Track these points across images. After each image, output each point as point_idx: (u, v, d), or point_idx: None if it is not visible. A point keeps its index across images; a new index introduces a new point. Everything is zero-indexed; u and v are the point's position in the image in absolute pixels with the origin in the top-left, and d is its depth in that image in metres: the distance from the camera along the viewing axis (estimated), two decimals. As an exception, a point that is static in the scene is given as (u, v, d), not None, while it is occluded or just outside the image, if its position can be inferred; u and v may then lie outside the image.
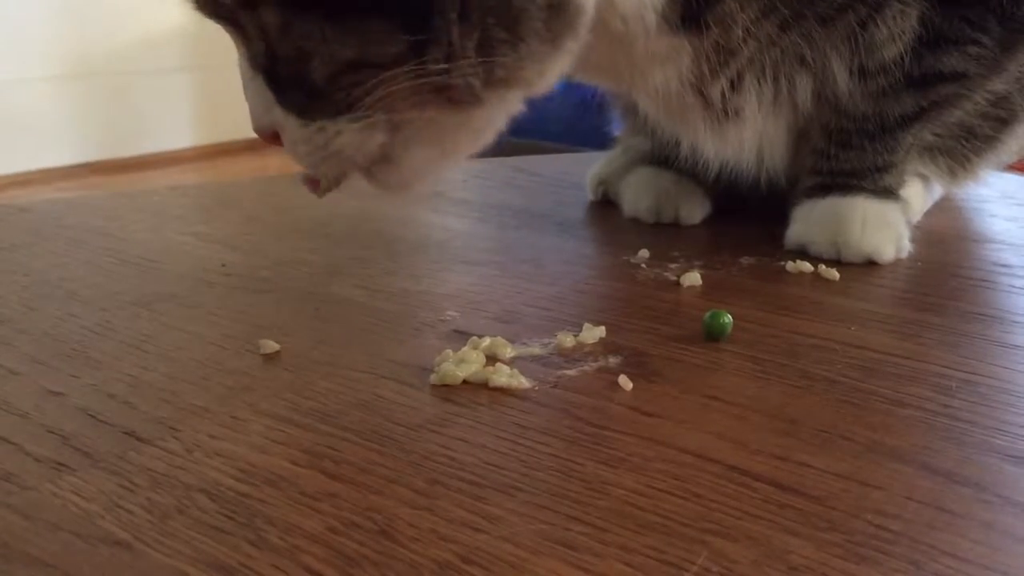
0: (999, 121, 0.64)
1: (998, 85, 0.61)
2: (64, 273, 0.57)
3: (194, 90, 3.11)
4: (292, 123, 0.45)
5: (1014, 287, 0.54)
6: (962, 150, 0.65)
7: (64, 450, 0.36)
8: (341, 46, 0.42)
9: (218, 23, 0.45)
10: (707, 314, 0.46)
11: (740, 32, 0.53)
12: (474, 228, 0.69)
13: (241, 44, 0.46)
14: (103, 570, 0.29)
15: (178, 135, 3.08)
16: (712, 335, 0.46)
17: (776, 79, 0.56)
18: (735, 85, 0.56)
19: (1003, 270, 0.57)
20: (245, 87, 0.46)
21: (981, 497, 0.33)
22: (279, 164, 3.07)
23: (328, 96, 0.43)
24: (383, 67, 0.42)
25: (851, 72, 0.56)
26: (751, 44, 0.54)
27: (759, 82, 0.56)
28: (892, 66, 0.56)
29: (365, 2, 0.41)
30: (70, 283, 0.55)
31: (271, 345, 0.45)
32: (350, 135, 0.44)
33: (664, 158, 0.69)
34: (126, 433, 0.37)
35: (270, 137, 0.46)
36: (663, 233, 0.66)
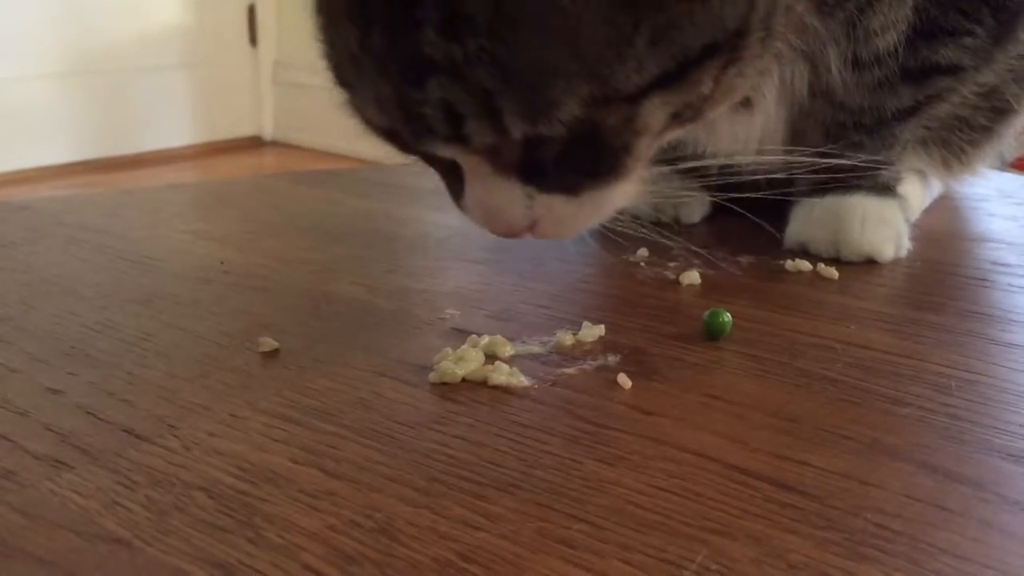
0: (994, 111, 0.64)
1: (988, 77, 0.60)
2: (62, 271, 0.57)
3: (192, 88, 3.11)
4: (558, 202, 0.42)
5: (1013, 286, 0.54)
6: (957, 141, 0.65)
7: (63, 448, 0.36)
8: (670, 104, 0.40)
9: (446, 152, 0.40)
10: (706, 313, 0.46)
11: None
12: (473, 226, 0.69)
13: (480, 162, 0.41)
14: (102, 568, 0.29)
15: (176, 133, 3.08)
16: (712, 334, 0.46)
17: (781, 68, 0.56)
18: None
19: (1002, 269, 0.57)
20: (478, 204, 0.43)
21: (980, 495, 0.33)
22: (276, 162, 3.08)
23: (621, 161, 0.41)
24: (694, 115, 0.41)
25: (846, 62, 0.56)
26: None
27: (772, 72, 0.56)
28: (887, 57, 0.56)
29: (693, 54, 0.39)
30: (68, 281, 0.55)
31: (270, 343, 0.45)
32: (625, 188, 0.43)
33: (664, 156, 0.69)
34: (125, 431, 0.37)
35: (522, 232, 0.43)
36: (662, 232, 0.66)
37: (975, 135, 0.64)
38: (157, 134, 3.05)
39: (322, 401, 0.40)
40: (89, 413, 0.39)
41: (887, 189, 0.61)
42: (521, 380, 0.41)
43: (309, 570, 0.29)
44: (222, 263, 0.58)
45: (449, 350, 0.43)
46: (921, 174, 0.68)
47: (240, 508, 0.32)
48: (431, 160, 0.44)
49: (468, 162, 0.41)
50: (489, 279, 0.56)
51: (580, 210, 0.42)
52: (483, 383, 0.41)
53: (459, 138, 0.38)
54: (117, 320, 0.49)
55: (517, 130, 0.37)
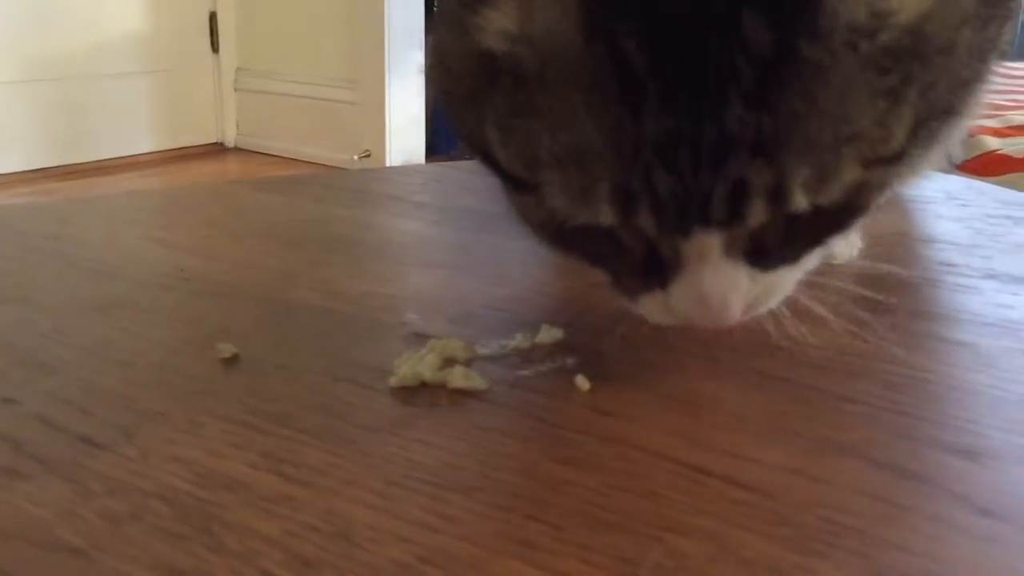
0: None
1: None
2: (18, 279, 0.56)
3: (154, 95, 3.07)
4: (777, 277, 0.39)
5: (959, 286, 0.55)
6: None
7: (18, 457, 0.36)
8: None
9: (703, 237, 0.36)
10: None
11: None
12: (433, 231, 0.69)
13: (713, 248, 0.36)
14: (58, 577, 0.29)
15: (138, 140, 3.05)
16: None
17: None
18: None
19: (948, 269, 0.58)
20: (700, 295, 0.37)
21: (927, 491, 0.34)
22: (239, 169, 3.05)
23: (854, 221, 0.39)
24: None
25: None
26: None
27: None
28: None
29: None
30: (24, 289, 0.54)
31: (229, 349, 0.45)
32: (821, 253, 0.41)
33: None
34: (81, 439, 0.37)
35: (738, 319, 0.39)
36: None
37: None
38: (118, 141, 3.01)
39: (281, 406, 0.40)
40: (44, 422, 0.38)
41: None
42: (480, 383, 0.41)
43: None
44: (181, 270, 0.57)
45: (409, 354, 0.43)
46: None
47: (198, 515, 0.32)
48: (611, 254, 0.39)
49: (703, 250, 0.36)
50: (449, 283, 0.56)
51: (793, 275, 0.40)
52: (442, 386, 0.41)
53: (731, 221, 0.35)
54: (74, 327, 0.48)
55: (802, 202, 0.34)
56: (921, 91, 0.35)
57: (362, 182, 0.83)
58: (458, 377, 0.41)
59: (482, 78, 0.37)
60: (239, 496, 0.33)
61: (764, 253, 0.37)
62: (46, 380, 0.42)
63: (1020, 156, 1.34)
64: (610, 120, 0.34)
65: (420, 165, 2.48)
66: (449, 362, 0.43)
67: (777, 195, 0.34)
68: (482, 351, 0.45)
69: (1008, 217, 0.70)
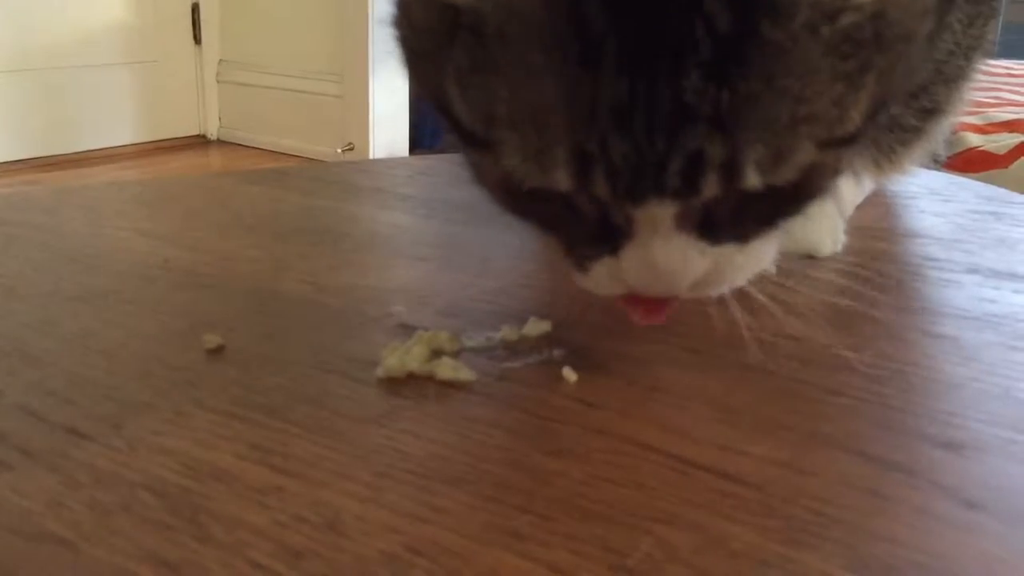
0: (924, 111, 0.65)
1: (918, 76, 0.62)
2: (2, 269, 0.56)
3: (136, 86, 3.05)
4: (727, 254, 0.39)
5: (941, 280, 0.56)
6: (887, 141, 0.66)
7: (3, 449, 0.35)
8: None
9: (657, 208, 0.36)
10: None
11: None
12: (420, 224, 0.69)
13: (666, 219, 0.37)
14: (45, 569, 0.29)
15: (120, 132, 3.02)
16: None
17: None
18: None
19: (931, 263, 0.59)
20: (649, 263, 0.37)
21: (912, 482, 0.34)
22: (221, 161, 3.04)
23: (809, 203, 0.39)
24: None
25: None
26: None
27: None
28: None
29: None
30: (7, 279, 0.54)
31: (215, 340, 0.44)
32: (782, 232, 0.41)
33: None
34: (67, 430, 0.37)
35: (685, 291, 0.40)
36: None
37: (905, 135, 0.66)
38: (100, 133, 2.99)
39: (268, 398, 0.40)
40: (29, 413, 0.38)
41: None
42: (467, 375, 0.41)
43: (256, 566, 0.29)
44: (166, 261, 0.57)
45: (396, 345, 0.43)
46: (854, 172, 0.69)
47: (186, 506, 0.32)
48: (564, 218, 0.39)
49: (653, 219, 0.36)
50: (436, 275, 0.56)
51: (745, 260, 0.40)
52: (430, 378, 0.41)
53: (685, 192, 0.35)
54: (58, 318, 0.48)
55: (755, 180, 0.34)
56: (879, 76, 0.36)
57: (348, 174, 0.83)
58: (445, 369, 0.41)
59: (444, 32, 0.37)
60: (227, 487, 0.33)
61: (715, 227, 0.37)
62: (30, 371, 0.42)
63: (1001, 152, 1.35)
64: (568, 81, 0.33)
65: (405, 158, 2.47)
66: (436, 354, 0.43)
67: (731, 170, 0.34)
68: (469, 343, 0.45)
69: (990, 212, 0.70)
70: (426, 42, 0.39)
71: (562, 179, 0.35)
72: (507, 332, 0.46)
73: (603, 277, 0.39)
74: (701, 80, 0.33)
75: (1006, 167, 1.32)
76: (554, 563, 0.29)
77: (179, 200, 0.77)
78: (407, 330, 0.46)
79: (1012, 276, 0.55)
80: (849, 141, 0.37)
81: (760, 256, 0.40)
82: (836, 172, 0.39)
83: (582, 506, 0.32)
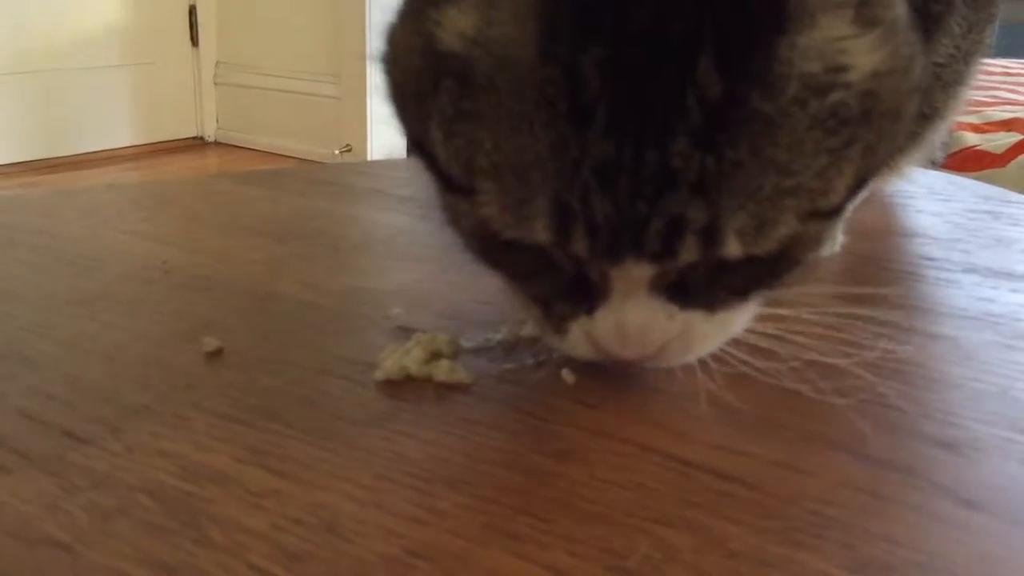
0: (921, 116, 0.65)
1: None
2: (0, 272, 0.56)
3: (133, 88, 3.05)
4: (696, 320, 0.38)
5: (940, 279, 0.56)
6: None
7: (1, 452, 0.35)
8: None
9: (635, 269, 0.36)
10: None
11: None
12: (418, 225, 0.69)
13: (640, 281, 0.37)
14: (43, 573, 0.29)
15: (117, 134, 3.02)
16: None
17: None
18: None
19: (929, 263, 0.59)
20: (619, 324, 0.37)
21: (911, 482, 0.34)
22: (219, 163, 3.04)
23: (786, 274, 0.39)
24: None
25: None
26: None
27: None
28: None
29: None
30: (6, 282, 0.54)
31: (214, 343, 0.44)
32: (754, 305, 0.41)
33: None
34: (65, 434, 0.37)
35: (653, 356, 0.39)
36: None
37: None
38: (97, 135, 2.99)
39: (267, 400, 0.39)
40: (28, 416, 0.38)
41: None
42: (466, 377, 0.41)
43: (255, 569, 0.29)
44: (164, 263, 0.57)
45: (395, 347, 0.43)
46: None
47: (184, 509, 0.32)
48: (540, 272, 0.39)
49: (629, 280, 0.36)
50: (434, 277, 0.56)
51: (713, 329, 0.40)
52: (428, 380, 0.41)
53: (663, 256, 0.35)
54: (56, 321, 0.48)
55: (736, 248, 0.34)
56: (864, 152, 0.36)
57: (346, 176, 0.83)
58: (444, 371, 0.41)
59: (432, 76, 0.37)
60: (225, 490, 0.33)
61: (687, 292, 0.37)
62: (28, 374, 0.42)
63: (999, 152, 1.35)
64: (556, 136, 0.34)
65: (404, 160, 2.47)
66: (435, 356, 0.43)
67: (711, 236, 0.34)
68: (467, 345, 0.45)
69: (987, 212, 0.71)
70: (411, 83, 0.39)
71: (541, 232, 0.35)
72: (506, 333, 0.46)
73: (579, 340, 0.39)
74: (688, 146, 0.33)
75: (1003, 166, 1.32)
76: (553, 564, 0.29)
77: (177, 202, 0.77)
78: (405, 332, 0.46)
79: (1010, 275, 0.56)
80: (831, 214, 0.37)
81: (727, 327, 0.40)
82: (817, 244, 0.39)
83: (581, 507, 0.32)
